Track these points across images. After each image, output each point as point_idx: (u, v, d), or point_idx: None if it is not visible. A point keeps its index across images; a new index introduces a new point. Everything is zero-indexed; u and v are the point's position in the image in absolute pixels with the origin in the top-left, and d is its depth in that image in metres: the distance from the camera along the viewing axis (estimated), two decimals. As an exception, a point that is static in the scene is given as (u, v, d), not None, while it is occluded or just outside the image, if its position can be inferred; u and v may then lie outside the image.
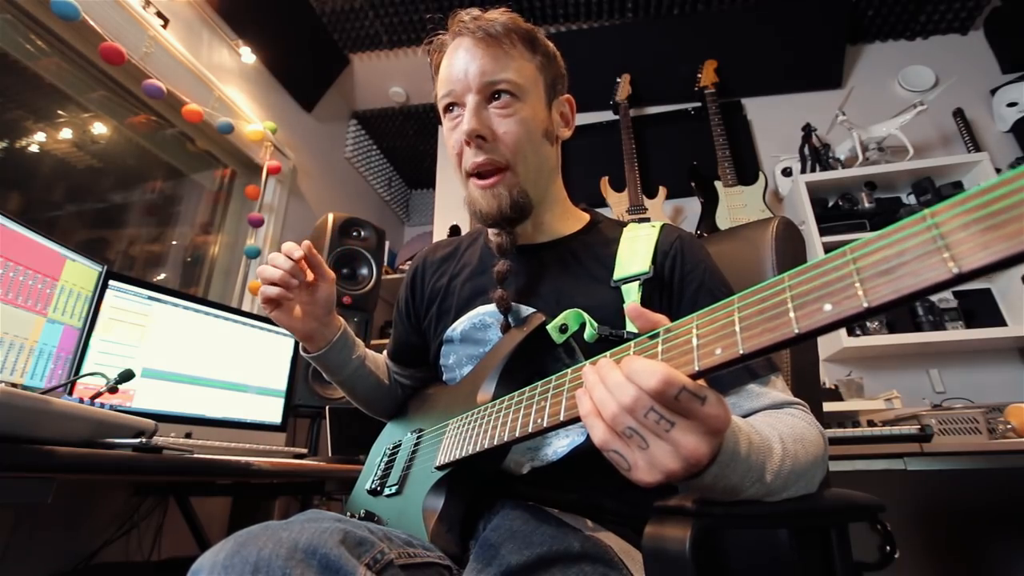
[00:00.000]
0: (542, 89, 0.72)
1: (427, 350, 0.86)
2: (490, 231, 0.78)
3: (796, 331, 0.29)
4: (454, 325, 0.77)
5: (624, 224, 0.77)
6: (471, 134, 0.66)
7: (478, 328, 0.74)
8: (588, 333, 0.58)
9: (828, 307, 0.27)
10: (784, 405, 0.59)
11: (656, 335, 0.39)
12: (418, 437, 0.75)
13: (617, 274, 0.68)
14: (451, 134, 0.71)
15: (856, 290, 0.26)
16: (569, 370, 0.47)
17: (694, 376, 0.34)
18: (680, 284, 0.67)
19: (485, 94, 0.68)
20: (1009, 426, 1.52)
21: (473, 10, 0.70)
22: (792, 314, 0.29)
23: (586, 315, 0.59)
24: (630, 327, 0.63)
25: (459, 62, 0.68)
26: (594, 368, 0.40)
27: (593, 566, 0.50)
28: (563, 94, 0.77)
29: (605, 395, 0.37)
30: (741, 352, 0.31)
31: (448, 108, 0.71)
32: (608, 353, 0.43)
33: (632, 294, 0.65)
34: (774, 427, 0.51)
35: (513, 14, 0.71)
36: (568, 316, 0.59)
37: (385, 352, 0.97)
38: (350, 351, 0.85)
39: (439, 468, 0.63)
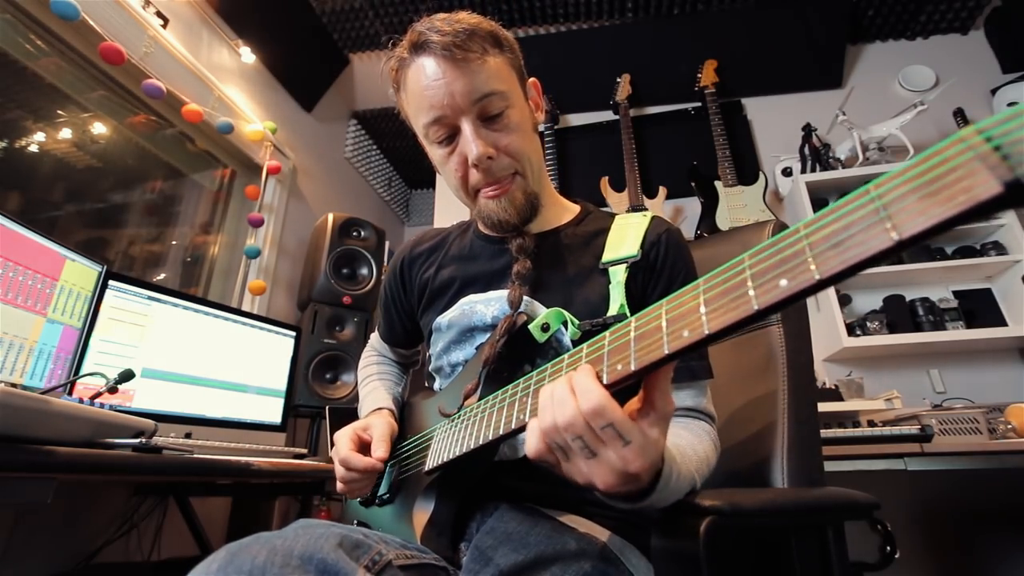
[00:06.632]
0: (517, 83, 0.71)
1: (421, 333, 0.87)
2: (504, 236, 0.76)
3: (756, 307, 0.30)
4: (444, 314, 0.77)
5: (614, 215, 0.78)
6: (482, 159, 0.64)
7: (467, 315, 0.74)
8: (570, 331, 0.59)
9: (784, 282, 0.29)
10: (697, 411, 0.63)
11: (629, 321, 0.40)
12: (407, 444, 0.75)
13: (605, 257, 0.69)
14: (448, 159, 0.68)
15: (808, 264, 0.28)
16: (549, 364, 0.47)
17: (665, 359, 0.35)
18: (668, 273, 0.68)
19: (477, 111, 0.65)
20: (1009, 426, 1.52)
21: (436, 19, 0.65)
22: (752, 292, 0.30)
23: (567, 313, 0.60)
24: (612, 311, 0.63)
25: (439, 83, 0.63)
26: (551, 386, 0.42)
27: (592, 564, 0.50)
28: (528, 78, 0.75)
29: (548, 406, 0.41)
30: (707, 332, 0.32)
31: (437, 133, 0.67)
32: (583, 346, 0.43)
33: (619, 275, 0.65)
34: (695, 450, 0.55)
35: (476, 16, 0.68)
36: (549, 316, 0.60)
37: (376, 335, 0.97)
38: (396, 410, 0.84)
39: (428, 473, 0.63)
